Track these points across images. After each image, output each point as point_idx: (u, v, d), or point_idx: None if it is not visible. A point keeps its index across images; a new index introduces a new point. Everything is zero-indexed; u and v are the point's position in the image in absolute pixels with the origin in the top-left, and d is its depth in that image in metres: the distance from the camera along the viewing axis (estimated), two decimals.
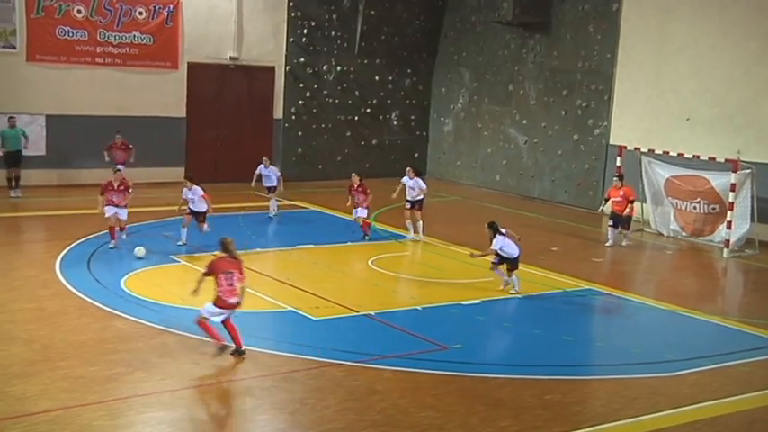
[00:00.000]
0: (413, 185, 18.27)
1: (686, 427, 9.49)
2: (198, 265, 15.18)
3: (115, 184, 16.22)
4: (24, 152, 21.57)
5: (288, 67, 26.16)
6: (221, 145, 25.36)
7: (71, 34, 22.80)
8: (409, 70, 28.40)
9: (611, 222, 19.15)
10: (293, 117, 26.56)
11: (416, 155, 28.79)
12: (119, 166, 18.83)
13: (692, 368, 11.28)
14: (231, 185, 22.45)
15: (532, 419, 9.39)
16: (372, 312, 13.02)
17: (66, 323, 11.64)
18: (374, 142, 28.05)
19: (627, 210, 18.71)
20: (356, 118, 27.68)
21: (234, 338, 10.75)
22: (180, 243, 16.60)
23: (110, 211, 16.12)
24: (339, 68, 27.07)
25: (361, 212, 18.13)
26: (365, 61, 27.44)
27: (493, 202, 24.50)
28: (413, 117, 28.78)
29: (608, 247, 18.88)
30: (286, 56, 26.08)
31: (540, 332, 12.65)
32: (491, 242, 14.25)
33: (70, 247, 16.08)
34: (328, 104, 27.10)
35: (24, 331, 11.31)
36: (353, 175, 18.41)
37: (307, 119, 26.79)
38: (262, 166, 20.21)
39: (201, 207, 16.61)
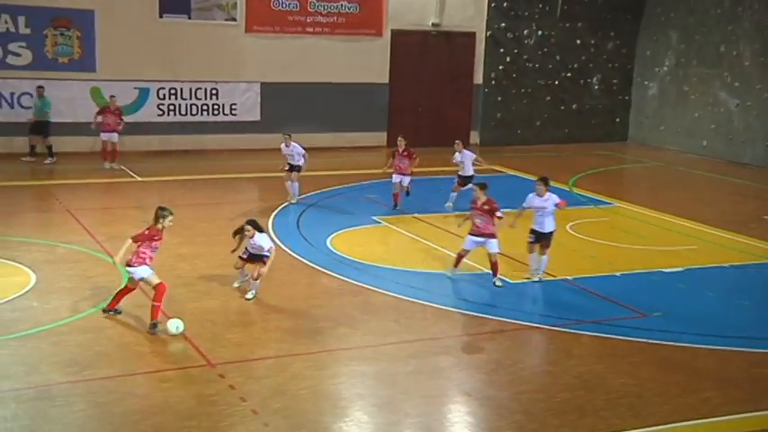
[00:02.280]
0: (460, 160, 17.25)
1: None
2: (399, 228, 15.74)
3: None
4: (222, 117, 23.21)
5: (488, 33, 26.15)
6: (422, 110, 25.80)
7: (284, 5, 23.92)
8: (612, 33, 27.59)
9: None
10: (493, 82, 26.55)
11: (617, 119, 28.02)
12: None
13: None
14: (431, 150, 22.76)
15: (739, 393, 9.13)
16: (570, 277, 13.00)
17: (277, 278, 12.36)
18: (574, 107, 27.53)
19: None
20: (556, 82, 27.27)
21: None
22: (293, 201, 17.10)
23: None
24: (540, 33, 26.72)
25: (405, 180, 17.08)
26: (567, 25, 26.93)
27: (698, 167, 23.51)
28: (615, 81, 27.99)
29: None
30: (487, 21, 26.08)
31: (747, 303, 12.16)
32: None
33: (282, 206, 17.04)
34: (528, 69, 26.86)
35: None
36: (400, 138, 17.64)
37: (506, 84, 26.70)
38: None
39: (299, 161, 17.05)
